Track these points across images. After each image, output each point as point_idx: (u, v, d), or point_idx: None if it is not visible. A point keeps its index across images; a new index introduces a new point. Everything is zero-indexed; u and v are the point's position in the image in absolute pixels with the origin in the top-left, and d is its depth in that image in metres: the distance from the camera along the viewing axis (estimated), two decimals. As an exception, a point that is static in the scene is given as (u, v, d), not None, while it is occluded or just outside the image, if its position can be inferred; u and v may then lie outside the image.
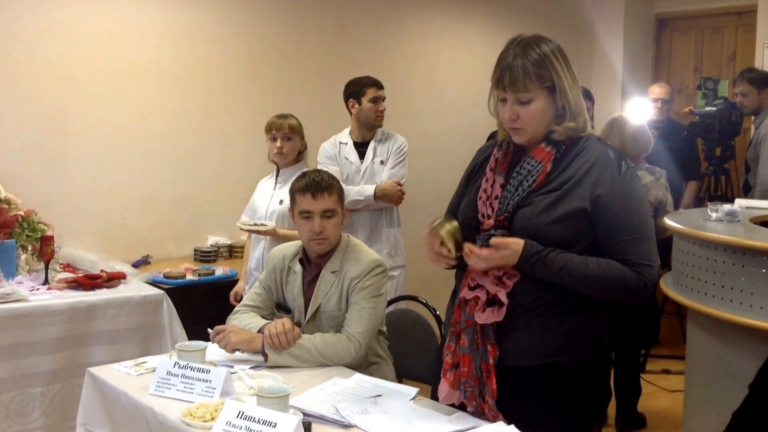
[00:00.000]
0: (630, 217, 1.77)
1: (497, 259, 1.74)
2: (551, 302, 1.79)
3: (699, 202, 4.72)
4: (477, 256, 1.75)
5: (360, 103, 3.67)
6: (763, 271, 2.67)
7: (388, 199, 3.64)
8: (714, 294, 2.84)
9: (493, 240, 1.75)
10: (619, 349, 3.69)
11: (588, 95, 4.41)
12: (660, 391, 4.24)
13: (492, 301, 1.77)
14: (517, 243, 1.74)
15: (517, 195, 1.80)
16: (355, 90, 3.69)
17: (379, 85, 3.69)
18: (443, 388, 1.85)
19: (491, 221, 1.81)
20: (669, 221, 3.21)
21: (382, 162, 3.71)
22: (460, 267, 1.90)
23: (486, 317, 1.77)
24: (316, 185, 2.37)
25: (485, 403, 1.80)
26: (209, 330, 2.30)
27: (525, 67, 1.76)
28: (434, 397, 1.96)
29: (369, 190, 3.60)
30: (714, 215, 3.18)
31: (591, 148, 1.81)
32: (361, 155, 3.73)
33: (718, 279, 2.83)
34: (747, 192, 4.42)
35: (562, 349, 1.80)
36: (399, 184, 3.65)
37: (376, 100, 3.66)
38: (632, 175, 1.82)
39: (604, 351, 1.89)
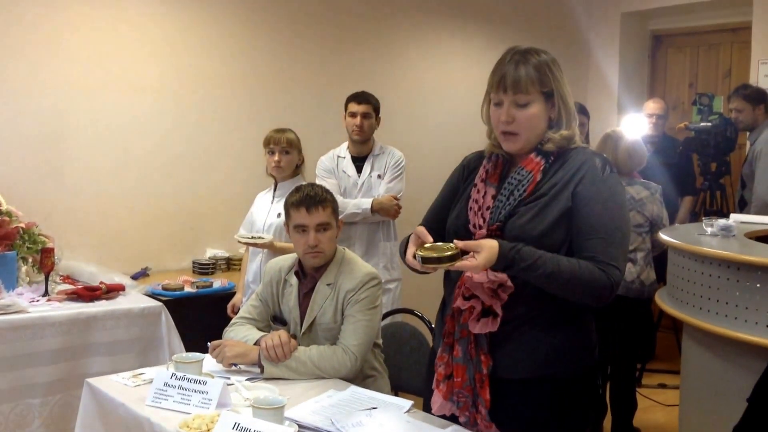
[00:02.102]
0: (604, 217, 1.77)
1: (481, 263, 1.68)
2: (543, 314, 1.80)
3: (694, 217, 4.74)
4: (468, 267, 1.70)
5: (345, 117, 3.74)
6: (758, 285, 2.69)
7: (385, 212, 3.66)
8: (709, 309, 2.86)
9: (458, 243, 1.69)
10: (615, 364, 3.70)
11: (583, 111, 4.46)
12: (656, 406, 4.25)
13: (487, 312, 1.79)
14: (488, 241, 1.70)
15: (509, 204, 1.82)
16: (345, 104, 3.75)
17: (358, 99, 3.71)
18: (436, 399, 1.86)
19: (483, 231, 1.82)
20: (664, 236, 3.24)
21: (379, 176, 3.75)
22: (449, 277, 1.93)
23: (480, 327, 1.78)
24: (310, 199, 2.39)
25: (478, 413, 1.81)
26: (209, 344, 2.32)
27: (527, 70, 1.80)
28: (426, 408, 1.97)
29: (366, 203, 3.63)
30: (709, 230, 3.20)
31: (578, 155, 1.84)
32: (359, 169, 3.76)
33: (713, 294, 2.84)
34: (743, 207, 4.45)
35: (554, 361, 1.81)
36: (396, 198, 3.68)
37: (354, 115, 3.70)
38: (615, 180, 1.83)
39: (592, 363, 1.90)
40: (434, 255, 1.68)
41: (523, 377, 1.81)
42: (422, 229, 1.79)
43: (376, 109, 3.75)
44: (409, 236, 1.94)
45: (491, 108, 1.87)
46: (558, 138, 1.84)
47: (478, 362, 1.80)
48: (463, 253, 1.69)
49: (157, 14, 4.14)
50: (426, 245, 1.74)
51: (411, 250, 1.75)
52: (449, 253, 1.67)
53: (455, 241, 1.71)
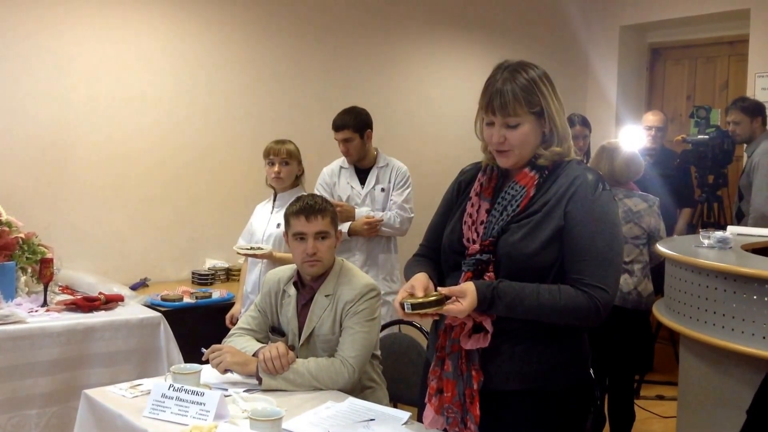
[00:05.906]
0: (594, 238, 1.76)
1: (467, 308, 1.71)
2: (535, 328, 1.79)
3: (692, 228, 4.75)
4: (455, 312, 1.72)
5: None
6: (755, 297, 2.70)
7: (360, 235, 3.64)
8: (706, 320, 2.86)
9: (442, 290, 1.72)
10: (613, 375, 3.70)
11: (585, 123, 4.48)
12: (654, 417, 4.24)
13: (478, 328, 1.79)
14: (468, 284, 1.72)
15: (502, 220, 1.81)
16: None
17: (335, 126, 3.68)
18: (428, 413, 1.85)
19: (477, 246, 1.82)
20: (661, 248, 3.25)
21: (382, 189, 3.75)
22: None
23: (472, 344, 1.78)
24: (309, 208, 2.41)
25: (467, 429, 1.80)
26: (203, 350, 2.32)
27: (514, 92, 1.79)
28: (420, 420, 1.97)
29: (344, 227, 3.58)
30: (706, 242, 3.21)
31: (571, 170, 1.84)
32: (362, 180, 3.77)
33: (709, 305, 2.85)
34: (740, 219, 4.46)
35: (546, 374, 1.81)
36: (367, 223, 3.63)
37: (338, 140, 3.70)
38: (608, 199, 1.81)
39: (585, 375, 1.90)
40: (420, 301, 1.71)
41: (515, 389, 1.81)
42: (421, 279, 1.80)
43: (359, 129, 3.64)
44: (413, 260, 1.97)
45: (484, 126, 1.87)
46: (549, 154, 1.84)
47: (469, 378, 1.79)
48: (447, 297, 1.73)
49: (158, 27, 4.17)
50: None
51: (399, 297, 1.77)
52: (434, 298, 1.71)
53: (439, 288, 1.74)
